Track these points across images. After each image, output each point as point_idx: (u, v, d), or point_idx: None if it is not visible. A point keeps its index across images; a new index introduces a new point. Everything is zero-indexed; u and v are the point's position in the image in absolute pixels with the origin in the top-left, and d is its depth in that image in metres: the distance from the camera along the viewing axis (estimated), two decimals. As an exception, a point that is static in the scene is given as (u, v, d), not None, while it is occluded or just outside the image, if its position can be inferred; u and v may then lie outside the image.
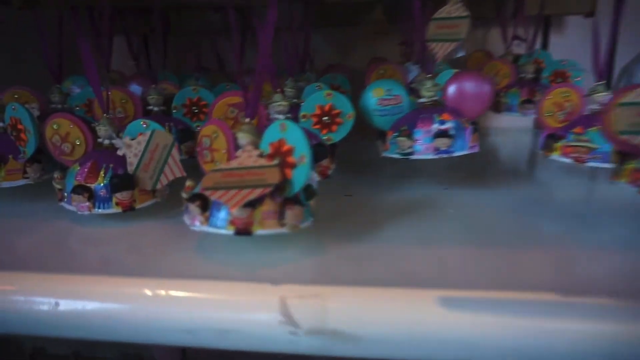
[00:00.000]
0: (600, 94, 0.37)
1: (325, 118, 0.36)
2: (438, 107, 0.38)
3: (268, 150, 0.28)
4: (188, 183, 0.29)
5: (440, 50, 0.36)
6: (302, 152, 0.26)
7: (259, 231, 0.26)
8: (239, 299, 0.25)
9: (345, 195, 0.40)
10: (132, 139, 0.34)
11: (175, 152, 0.33)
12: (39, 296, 0.27)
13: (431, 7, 0.37)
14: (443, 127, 0.36)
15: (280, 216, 0.27)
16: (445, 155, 0.36)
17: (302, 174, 0.26)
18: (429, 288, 0.25)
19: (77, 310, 0.26)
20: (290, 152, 0.27)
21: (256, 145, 0.28)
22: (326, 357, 0.25)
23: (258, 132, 0.29)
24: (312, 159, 0.26)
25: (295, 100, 0.41)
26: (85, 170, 0.33)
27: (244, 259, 0.29)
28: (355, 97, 0.39)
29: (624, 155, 0.33)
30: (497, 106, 0.54)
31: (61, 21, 0.43)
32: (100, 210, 0.33)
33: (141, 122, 0.34)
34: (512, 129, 0.64)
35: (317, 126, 0.36)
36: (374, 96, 0.38)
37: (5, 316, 0.27)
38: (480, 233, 0.32)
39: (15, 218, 0.36)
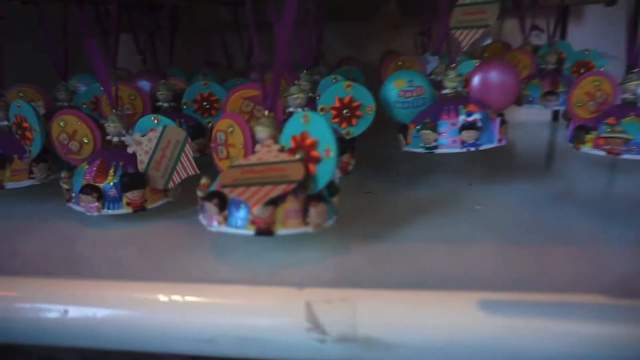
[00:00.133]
0: (634, 82, 0.35)
1: (345, 111, 0.34)
2: (462, 98, 0.36)
3: (289, 144, 0.26)
4: (203, 181, 0.28)
5: (465, 38, 0.34)
6: (327, 145, 0.24)
7: (281, 231, 0.25)
8: (262, 304, 0.24)
9: (365, 192, 0.38)
10: (143, 136, 0.32)
11: (188, 148, 0.31)
12: (46, 303, 0.25)
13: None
14: (470, 118, 0.34)
15: (303, 215, 0.25)
16: (472, 149, 0.34)
17: (328, 169, 0.24)
18: (469, 290, 0.23)
19: (87, 318, 0.25)
20: (314, 145, 0.25)
21: (276, 140, 0.27)
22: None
23: (277, 125, 0.27)
24: (338, 153, 0.24)
25: (310, 94, 0.39)
26: (94, 169, 0.32)
27: (264, 261, 0.27)
28: (369, 90, 0.37)
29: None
30: (518, 99, 0.52)
31: (66, 16, 0.42)
32: (109, 210, 0.32)
33: (152, 118, 0.32)
34: (530, 122, 0.62)
35: (336, 120, 0.35)
36: (395, 87, 0.36)
37: (11, 325, 0.26)
38: (511, 231, 0.30)
39: (21, 220, 0.35)
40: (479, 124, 0.34)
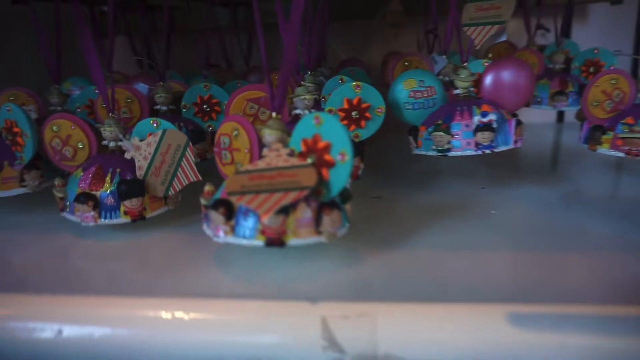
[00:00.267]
0: (653, 80, 0.34)
1: (354, 113, 0.32)
2: (474, 98, 0.34)
3: (299, 147, 0.24)
4: (207, 188, 0.26)
5: (479, 35, 0.33)
6: (342, 148, 0.22)
7: (292, 241, 0.23)
8: (273, 320, 0.22)
9: (374, 197, 0.37)
10: (141, 140, 0.30)
11: (189, 153, 0.30)
12: (39, 321, 0.23)
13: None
14: (485, 119, 0.32)
15: (316, 223, 0.23)
16: (487, 151, 0.32)
17: (343, 174, 0.23)
18: (498, 303, 0.21)
19: (83, 338, 0.23)
20: (327, 148, 0.23)
21: (285, 143, 0.25)
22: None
23: (286, 128, 0.25)
24: (353, 157, 0.22)
25: (315, 96, 0.37)
26: (90, 176, 0.30)
27: (272, 273, 0.25)
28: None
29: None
30: (526, 99, 0.50)
31: (59, 17, 0.40)
32: (106, 220, 0.30)
33: (151, 121, 0.30)
34: (534, 123, 0.61)
35: (345, 122, 0.33)
36: (406, 88, 0.34)
37: (1, 345, 0.24)
38: (527, 237, 0.29)
39: (12, 231, 0.33)
40: (495, 124, 0.32)
